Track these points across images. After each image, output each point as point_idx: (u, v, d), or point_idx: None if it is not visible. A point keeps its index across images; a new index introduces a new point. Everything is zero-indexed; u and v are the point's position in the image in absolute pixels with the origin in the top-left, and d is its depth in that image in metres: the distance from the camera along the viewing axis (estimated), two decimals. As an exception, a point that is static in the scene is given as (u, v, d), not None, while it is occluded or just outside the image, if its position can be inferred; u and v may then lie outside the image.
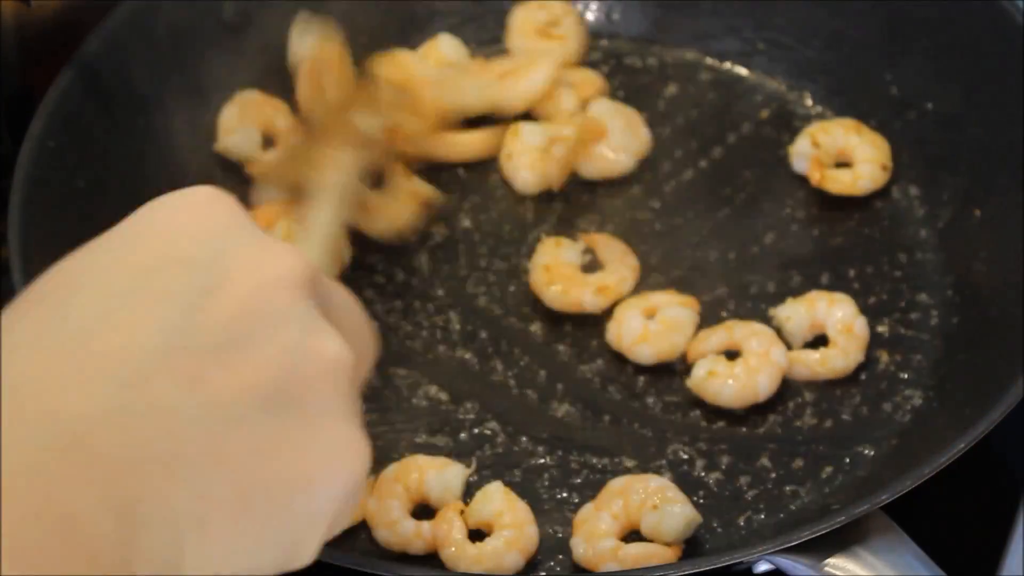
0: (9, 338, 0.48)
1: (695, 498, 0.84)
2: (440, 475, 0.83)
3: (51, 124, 0.93)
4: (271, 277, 0.51)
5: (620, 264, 0.95)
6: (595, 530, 0.81)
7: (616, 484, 0.82)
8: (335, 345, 0.52)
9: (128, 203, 0.95)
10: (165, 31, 0.99)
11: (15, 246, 0.86)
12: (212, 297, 0.50)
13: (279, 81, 1.02)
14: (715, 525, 0.83)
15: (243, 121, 1.00)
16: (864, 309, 0.92)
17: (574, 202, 1.00)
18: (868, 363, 0.91)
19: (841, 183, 0.98)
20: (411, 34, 1.07)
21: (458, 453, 0.87)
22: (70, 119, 0.94)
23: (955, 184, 0.97)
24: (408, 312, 0.94)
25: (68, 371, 0.47)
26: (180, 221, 0.53)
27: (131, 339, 0.48)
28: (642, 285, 0.94)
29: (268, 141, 1.01)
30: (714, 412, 0.89)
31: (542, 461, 0.87)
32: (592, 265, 0.95)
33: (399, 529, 0.82)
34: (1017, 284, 0.88)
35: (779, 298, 0.93)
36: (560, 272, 0.93)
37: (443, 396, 0.90)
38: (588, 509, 0.82)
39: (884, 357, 0.91)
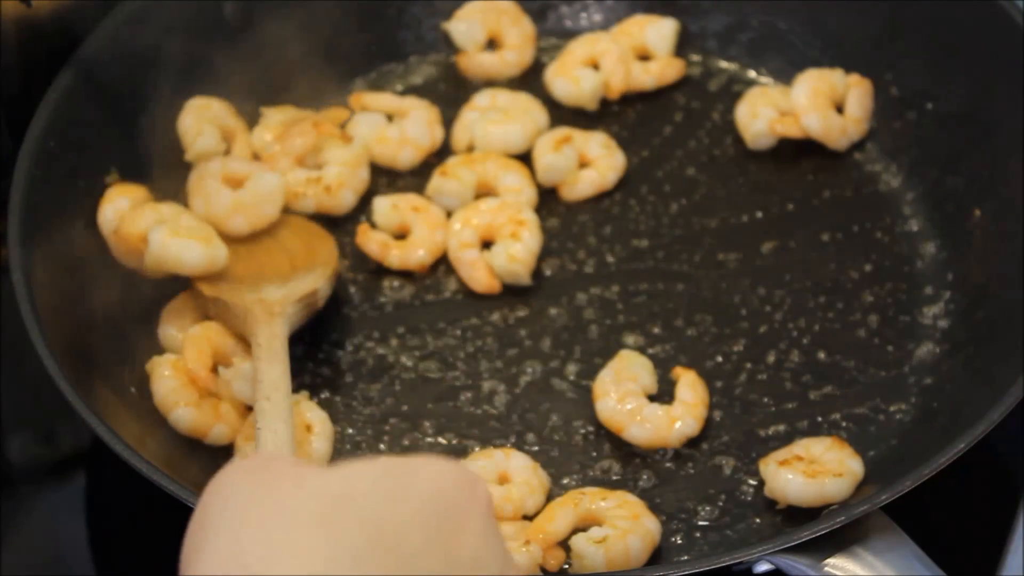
0: None
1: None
2: None
3: (51, 124, 0.93)
4: None
5: None
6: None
7: None
8: None
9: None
10: (165, 31, 0.99)
11: (15, 246, 0.86)
12: None
13: (276, 82, 1.03)
14: (715, 525, 0.84)
15: (201, 123, 0.98)
16: (863, 307, 0.93)
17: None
18: (869, 362, 0.91)
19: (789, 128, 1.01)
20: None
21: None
22: (70, 119, 0.94)
23: (955, 184, 0.97)
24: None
25: None
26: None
27: None
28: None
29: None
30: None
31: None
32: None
33: None
34: (1017, 284, 0.88)
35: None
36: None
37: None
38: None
39: (887, 355, 0.91)
